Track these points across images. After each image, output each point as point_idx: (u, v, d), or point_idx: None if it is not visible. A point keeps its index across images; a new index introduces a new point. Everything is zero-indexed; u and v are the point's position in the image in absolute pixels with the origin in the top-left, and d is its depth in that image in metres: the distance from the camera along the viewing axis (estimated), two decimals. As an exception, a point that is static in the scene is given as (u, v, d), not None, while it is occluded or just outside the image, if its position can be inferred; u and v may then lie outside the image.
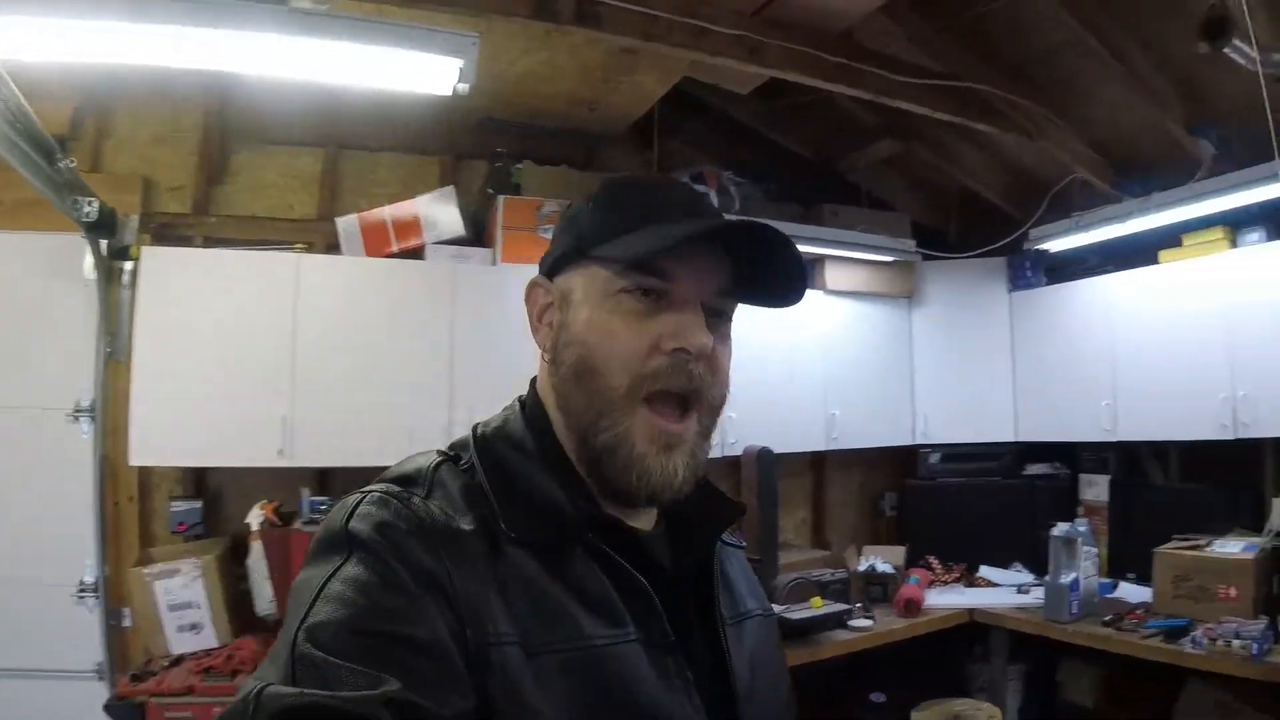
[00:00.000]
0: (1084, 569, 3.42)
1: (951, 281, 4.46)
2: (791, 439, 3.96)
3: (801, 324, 4.08)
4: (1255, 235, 3.58)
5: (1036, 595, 3.63)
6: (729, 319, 0.85)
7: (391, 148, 3.79)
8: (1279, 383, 3.34)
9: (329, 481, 3.47)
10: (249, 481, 3.31)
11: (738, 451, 3.67)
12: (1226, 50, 2.58)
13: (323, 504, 3.26)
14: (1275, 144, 2.85)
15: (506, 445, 0.83)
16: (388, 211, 3.49)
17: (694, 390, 0.79)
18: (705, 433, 0.83)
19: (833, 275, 4.15)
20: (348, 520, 0.72)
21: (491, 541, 0.74)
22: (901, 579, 3.81)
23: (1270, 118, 2.83)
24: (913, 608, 3.62)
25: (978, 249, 4.35)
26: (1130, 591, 3.61)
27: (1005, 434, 4.32)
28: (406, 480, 0.77)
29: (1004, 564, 4.09)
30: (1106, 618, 3.25)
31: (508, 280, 3.40)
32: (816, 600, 3.38)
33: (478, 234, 3.64)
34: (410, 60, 2.14)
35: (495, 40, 2.71)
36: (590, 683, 0.71)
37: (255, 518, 3.13)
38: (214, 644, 2.94)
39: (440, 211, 3.51)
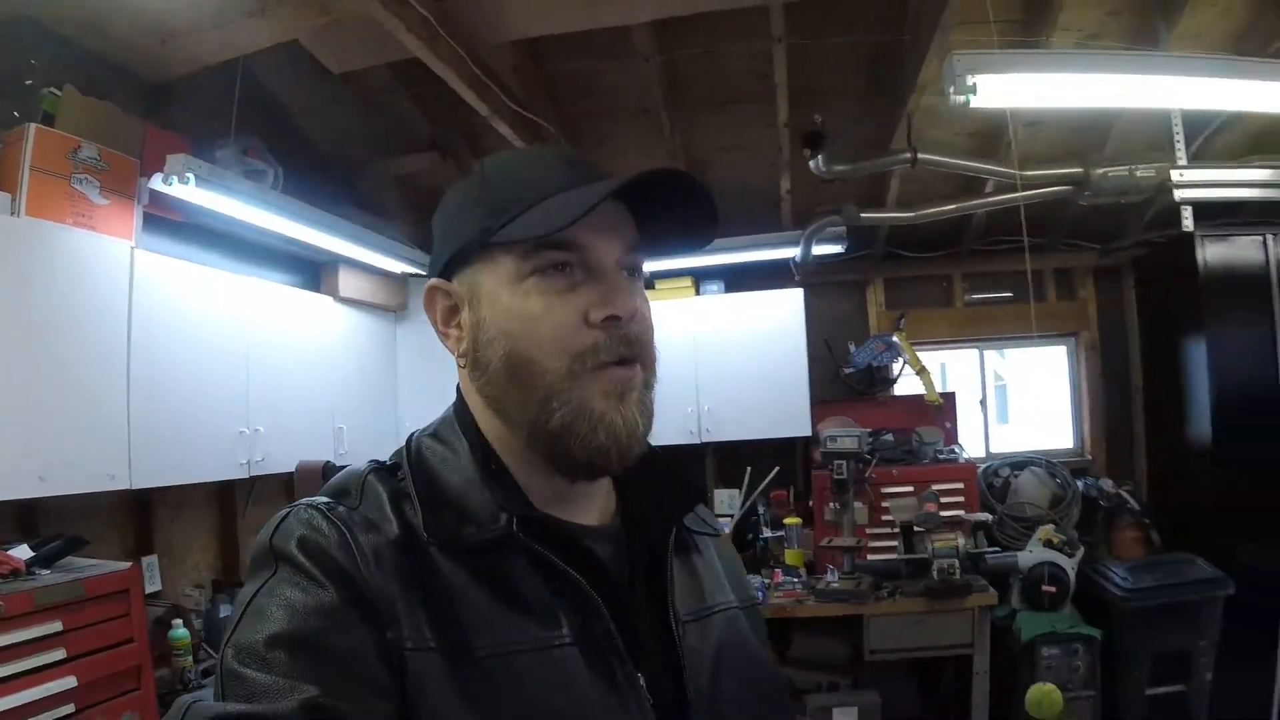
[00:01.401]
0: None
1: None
2: (304, 454, 3.67)
3: (311, 332, 4.12)
4: (715, 286, 5.08)
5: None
6: (641, 272, 0.88)
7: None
8: (731, 400, 4.75)
9: None
10: None
11: (275, 469, 3.69)
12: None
13: None
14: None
15: (436, 450, 0.87)
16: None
17: (634, 355, 0.84)
18: (648, 384, 0.87)
19: (346, 281, 4.33)
20: (271, 536, 0.78)
21: (417, 547, 0.78)
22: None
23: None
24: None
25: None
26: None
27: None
28: (339, 492, 0.83)
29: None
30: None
31: (35, 242, 2.88)
32: None
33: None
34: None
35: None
36: (514, 688, 0.74)
37: None
38: None
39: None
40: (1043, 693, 3.37)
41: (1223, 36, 3.51)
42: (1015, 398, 5.46)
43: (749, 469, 4.77)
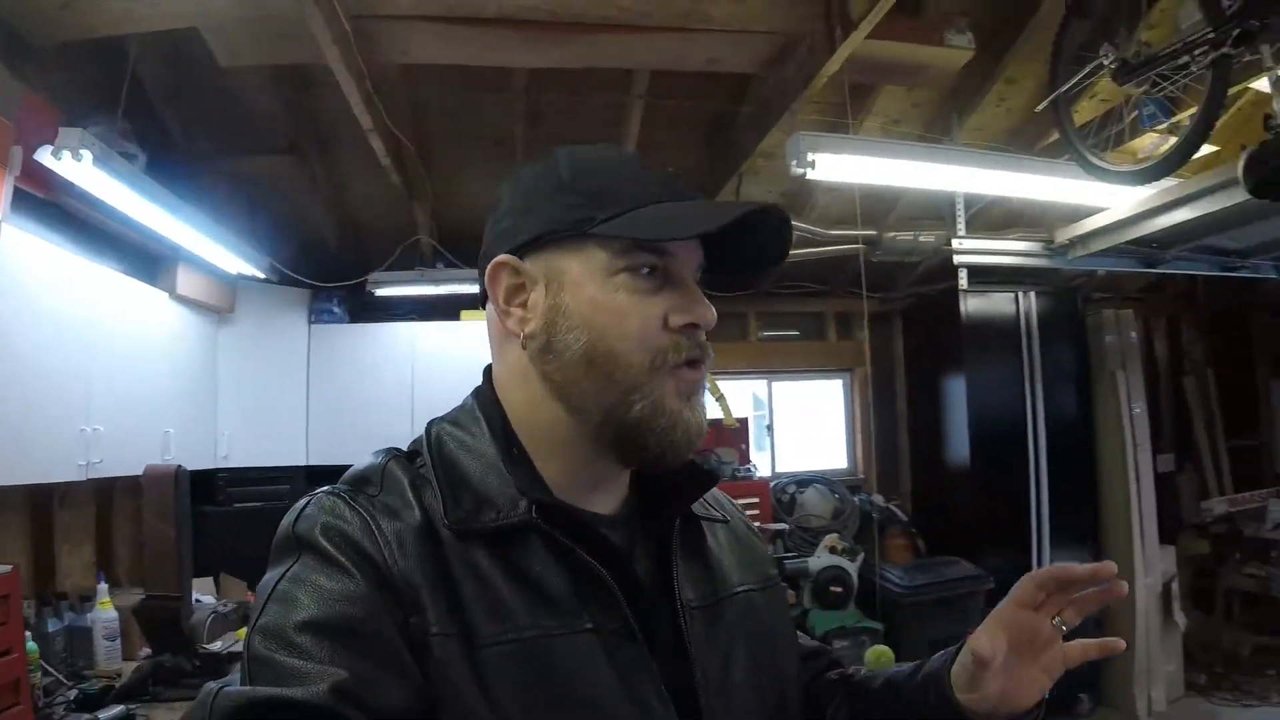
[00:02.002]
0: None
1: (261, 305, 5.06)
2: (138, 457, 3.68)
3: (148, 328, 4.09)
4: None
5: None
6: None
7: None
8: None
9: None
10: None
11: (112, 472, 3.63)
12: None
13: None
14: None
15: (455, 436, 0.91)
16: None
17: (701, 358, 0.89)
18: (704, 388, 0.93)
19: (184, 278, 4.29)
20: (295, 523, 0.82)
21: (438, 533, 0.82)
22: (249, 609, 4.08)
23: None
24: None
25: (320, 280, 5.13)
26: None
27: (297, 458, 5.07)
28: (360, 480, 0.87)
29: (292, 581, 4.74)
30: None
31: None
32: (243, 631, 3.56)
33: None
34: None
35: None
36: (533, 675, 0.77)
37: None
38: None
39: None
40: (879, 652, 4.18)
41: (1001, 132, 4.49)
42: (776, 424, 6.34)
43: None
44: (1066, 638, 0.91)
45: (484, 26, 3.51)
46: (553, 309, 0.88)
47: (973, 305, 5.13)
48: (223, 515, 4.74)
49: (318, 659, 0.71)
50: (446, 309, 5.33)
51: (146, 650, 3.34)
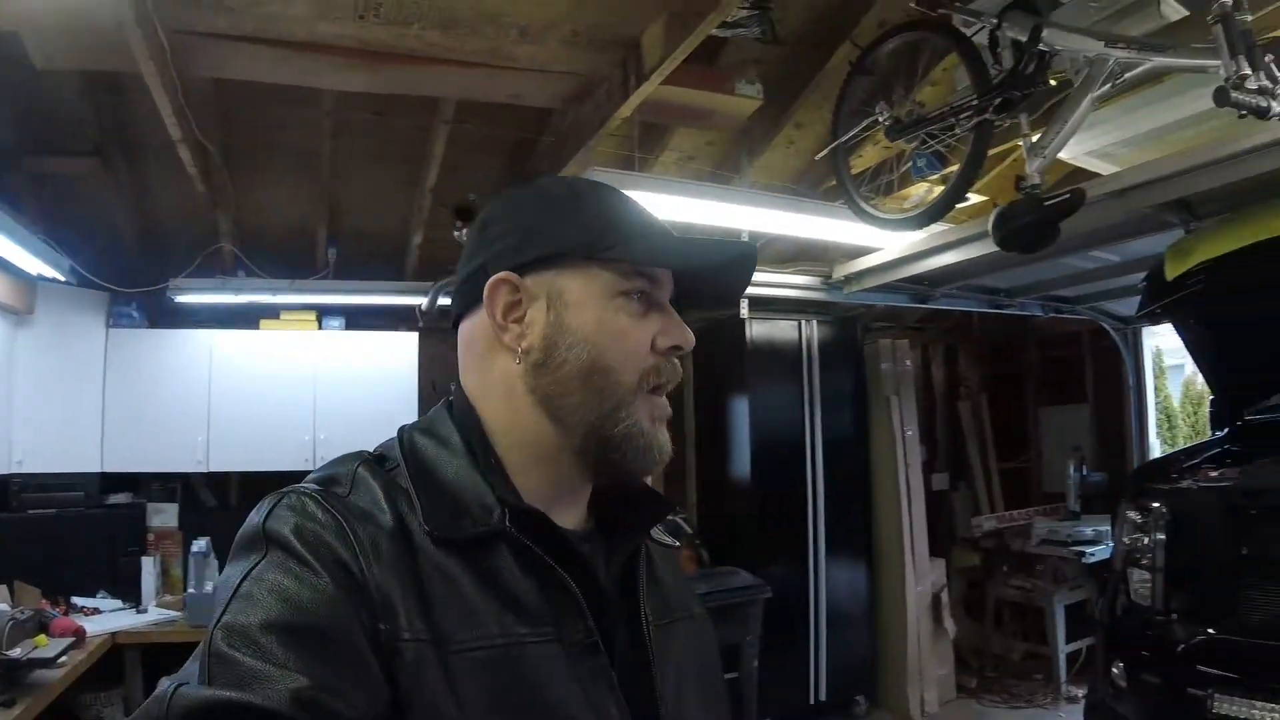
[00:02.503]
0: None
1: (59, 307, 5.13)
2: None
3: None
4: (337, 322, 5.74)
5: (161, 613, 4.79)
6: None
7: None
8: (347, 429, 5.29)
9: None
10: None
11: None
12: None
13: None
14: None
15: (431, 443, 0.94)
16: None
17: (670, 384, 0.96)
18: None
19: None
20: (265, 519, 0.82)
21: (411, 538, 0.84)
22: (45, 616, 4.06)
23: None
24: (83, 635, 4.02)
25: (121, 285, 5.24)
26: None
27: (92, 464, 5.17)
28: (329, 481, 0.88)
29: (91, 592, 4.85)
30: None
31: None
32: (41, 638, 3.66)
33: None
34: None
35: None
36: (503, 682, 0.80)
37: None
38: None
39: None
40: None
41: (789, 171, 5.00)
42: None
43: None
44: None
45: (295, 50, 3.75)
46: (554, 326, 0.93)
47: (757, 331, 5.66)
48: (16, 522, 4.82)
49: (280, 662, 0.72)
50: (246, 317, 5.56)
51: (-55, 657, 3.35)
